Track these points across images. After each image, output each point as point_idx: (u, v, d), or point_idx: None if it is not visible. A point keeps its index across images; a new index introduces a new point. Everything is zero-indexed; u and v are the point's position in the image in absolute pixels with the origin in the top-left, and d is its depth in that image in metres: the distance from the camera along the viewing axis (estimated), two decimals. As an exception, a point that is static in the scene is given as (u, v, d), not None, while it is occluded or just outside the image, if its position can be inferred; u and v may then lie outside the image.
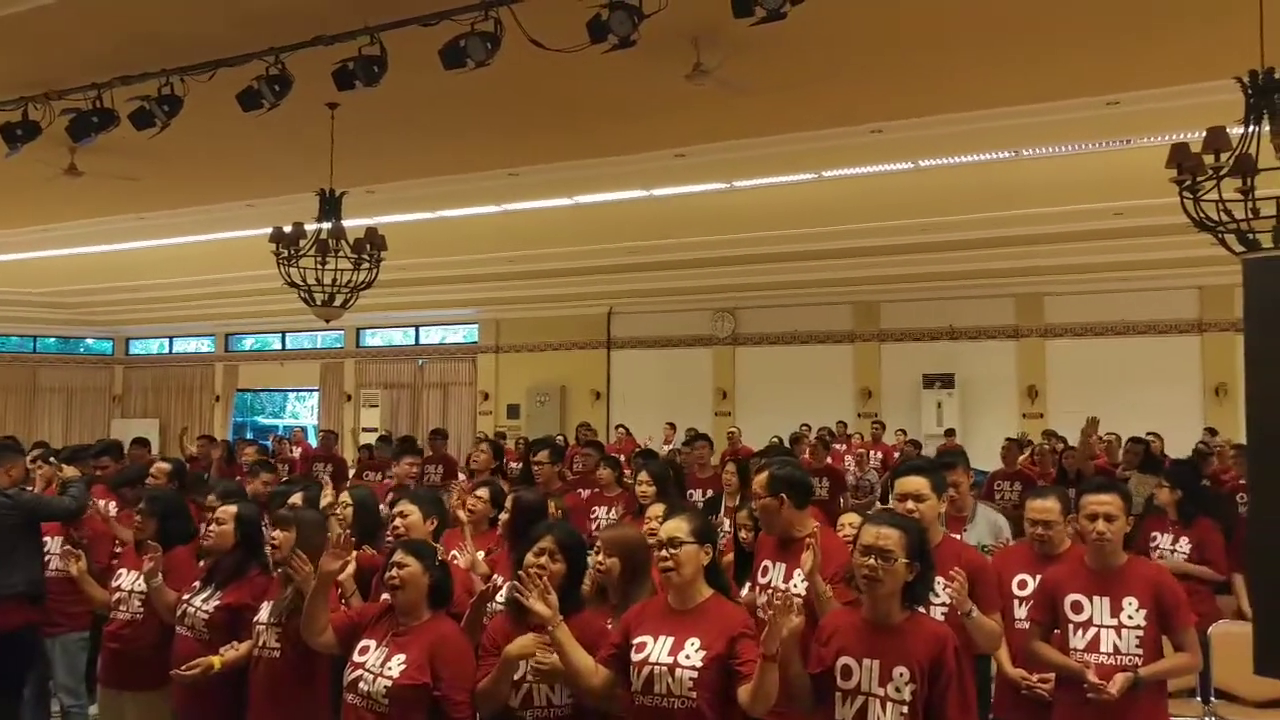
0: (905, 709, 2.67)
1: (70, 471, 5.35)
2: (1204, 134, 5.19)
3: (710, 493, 6.43)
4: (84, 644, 5.03)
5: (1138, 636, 3.30)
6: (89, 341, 21.38)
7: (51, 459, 5.78)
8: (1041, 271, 12.98)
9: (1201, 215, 5.20)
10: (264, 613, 3.58)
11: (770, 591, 3.38)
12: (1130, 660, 3.28)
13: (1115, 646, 3.31)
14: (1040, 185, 9.37)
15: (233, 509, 3.96)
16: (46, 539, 4.97)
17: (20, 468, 5.25)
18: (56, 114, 6.50)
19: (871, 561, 2.76)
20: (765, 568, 3.57)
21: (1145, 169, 6.68)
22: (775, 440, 10.46)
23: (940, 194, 9.76)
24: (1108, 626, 3.33)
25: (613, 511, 5.86)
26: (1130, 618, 3.32)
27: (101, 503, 5.25)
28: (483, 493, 4.60)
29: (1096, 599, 3.37)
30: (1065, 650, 3.39)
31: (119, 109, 6.25)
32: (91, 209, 10.97)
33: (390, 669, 3.04)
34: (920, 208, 10.27)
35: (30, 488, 5.19)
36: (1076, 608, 3.40)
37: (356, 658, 3.15)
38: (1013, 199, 9.89)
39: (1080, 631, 3.37)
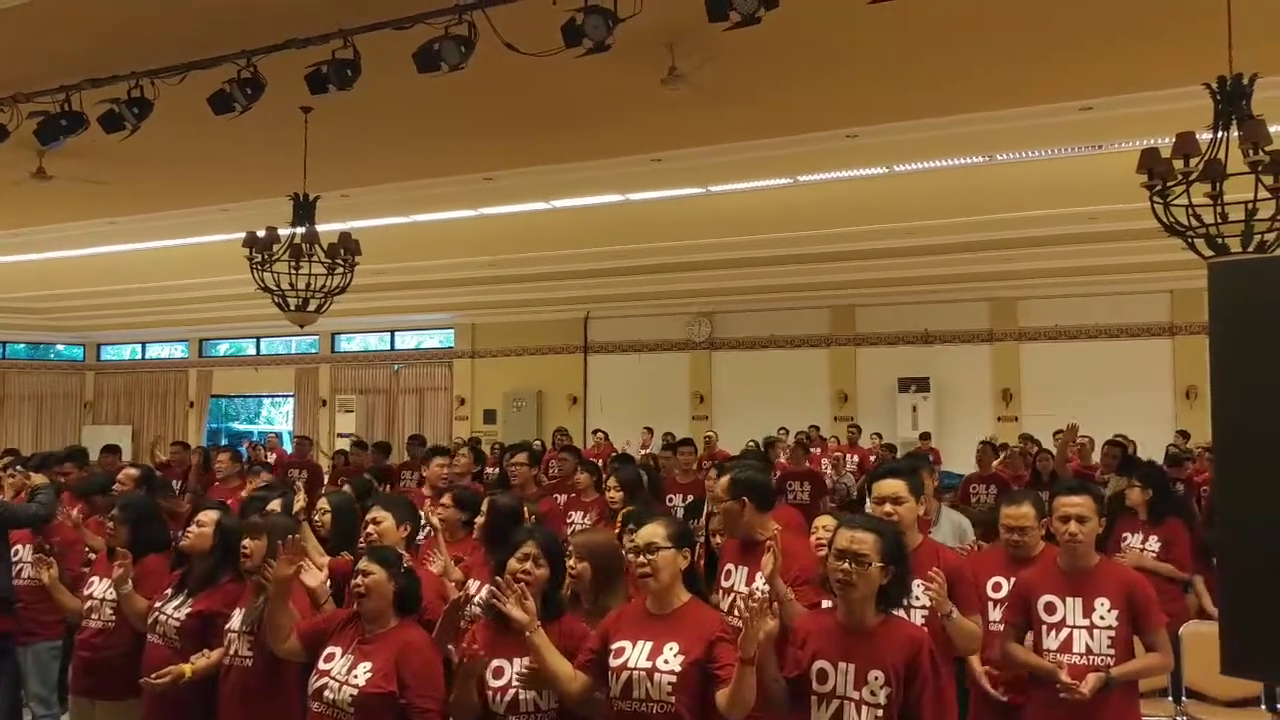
0: (880, 712, 2.67)
1: (39, 478, 5.30)
2: (1174, 139, 5.25)
3: (691, 498, 6.44)
4: (56, 653, 4.96)
5: (1110, 637, 3.34)
6: (59, 347, 21.09)
7: (19, 467, 5.71)
8: (1016, 276, 13.08)
9: (1171, 220, 5.25)
10: (236, 620, 3.54)
11: (733, 595, 3.39)
12: (1102, 660, 3.32)
13: (1088, 647, 3.35)
14: (1014, 190, 9.43)
15: (214, 514, 3.94)
16: (17, 547, 4.91)
17: (-13, 475, 5.18)
18: (24, 116, 6.41)
19: (845, 566, 2.76)
20: (728, 571, 3.58)
21: (1118, 174, 6.75)
22: (752, 444, 10.48)
23: (915, 199, 9.81)
24: (1080, 627, 3.37)
25: (588, 517, 5.84)
26: (1102, 618, 3.36)
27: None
28: (447, 499, 4.56)
29: (1069, 600, 3.40)
30: (1038, 651, 3.42)
31: (88, 111, 6.17)
32: (61, 213, 10.82)
33: (356, 677, 3.02)
34: (895, 212, 10.32)
35: (-1, 495, 5.13)
36: (1049, 609, 3.43)
37: (322, 665, 3.12)
38: (987, 204, 9.95)
39: (1053, 632, 3.40)
